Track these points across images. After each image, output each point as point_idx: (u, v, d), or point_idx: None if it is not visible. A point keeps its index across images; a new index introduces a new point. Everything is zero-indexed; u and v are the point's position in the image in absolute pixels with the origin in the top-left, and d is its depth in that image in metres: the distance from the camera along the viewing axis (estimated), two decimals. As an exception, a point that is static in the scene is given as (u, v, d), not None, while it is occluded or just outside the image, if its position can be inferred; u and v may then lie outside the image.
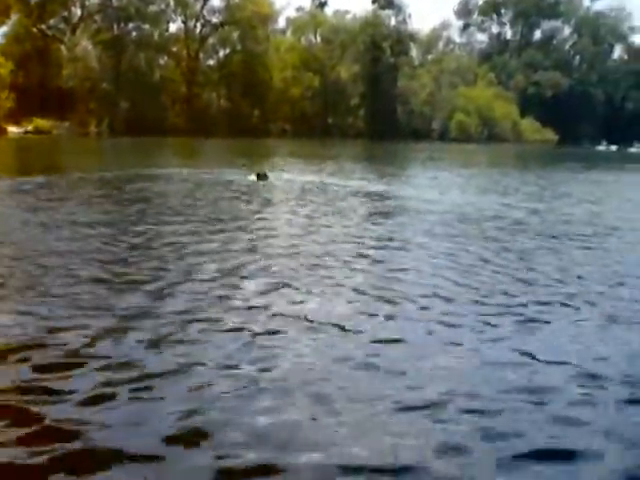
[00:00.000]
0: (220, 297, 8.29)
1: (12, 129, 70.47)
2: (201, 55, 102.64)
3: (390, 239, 12.92)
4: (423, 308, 8.09)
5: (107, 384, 5.65)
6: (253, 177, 24.59)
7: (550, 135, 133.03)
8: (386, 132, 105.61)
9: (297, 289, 8.63)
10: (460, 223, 15.71)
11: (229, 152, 49.93)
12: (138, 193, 19.97)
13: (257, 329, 7.03)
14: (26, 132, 71.85)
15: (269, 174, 25.02)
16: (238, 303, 8.01)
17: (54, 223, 13.79)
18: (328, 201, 19.06)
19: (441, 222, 15.67)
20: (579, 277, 10.46)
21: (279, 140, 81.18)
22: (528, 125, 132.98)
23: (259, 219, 15.03)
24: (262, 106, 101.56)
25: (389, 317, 7.75)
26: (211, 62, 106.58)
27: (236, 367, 6.01)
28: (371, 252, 11.53)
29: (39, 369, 5.93)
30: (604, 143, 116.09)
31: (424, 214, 17.03)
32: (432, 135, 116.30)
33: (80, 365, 6.05)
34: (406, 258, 11.16)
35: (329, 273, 9.72)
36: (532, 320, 7.81)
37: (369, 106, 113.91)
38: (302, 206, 17.36)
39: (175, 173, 27.19)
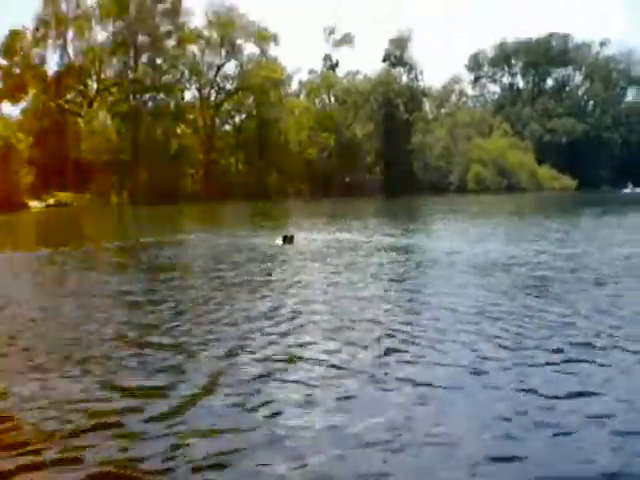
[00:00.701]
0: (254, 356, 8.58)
1: (34, 203, 70.41)
2: (217, 121, 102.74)
3: (425, 292, 12.99)
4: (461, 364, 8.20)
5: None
6: (279, 241, 23.85)
7: (568, 182, 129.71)
8: (403, 187, 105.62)
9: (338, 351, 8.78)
10: (491, 272, 15.55)
11: (250, 216, 49.00)
12: (165, 259, 20.03)
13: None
14: (48, 206, 71.72)
15: (292, 236, 24.29)
16: (279, 366, 8.18)
17: (90, 291, 14.25)
18: (357, 258, 18.74)
19: (472, 272, 15.60)
20: (619, 317, 10.60)
21: (297, 201, 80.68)
22: (546, 172, 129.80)
23: (292, 284, 14.51)
24: (279, 168, 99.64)
25: (437, 364, 8.12)
26: (227, 127, 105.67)
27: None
28: (408, 308, 11.58)
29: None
30: (630, 186, 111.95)
31: (454, 265, 16.92)
32: (449, 188, 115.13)
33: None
34: (443, 311, 11.15)
35: (370, 334, 9.77)
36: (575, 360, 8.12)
37: (385, 162, 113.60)
38: (333, 267, 16.91)
39: (200, 239, 26.83)
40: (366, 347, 8.81)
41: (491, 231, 29.12)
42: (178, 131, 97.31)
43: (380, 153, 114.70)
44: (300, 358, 8.32)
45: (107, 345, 9.20)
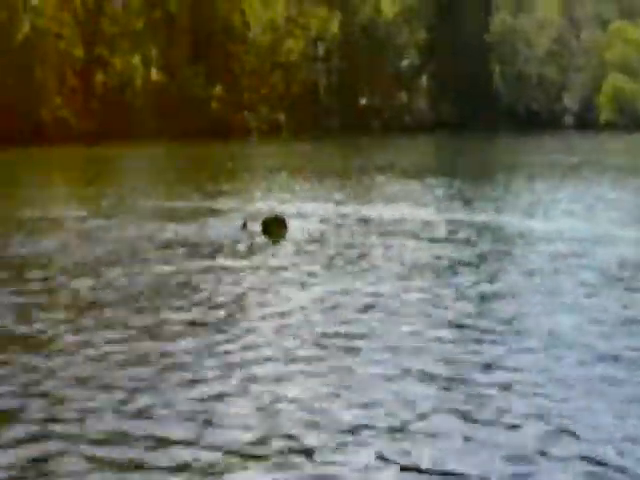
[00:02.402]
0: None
1: None
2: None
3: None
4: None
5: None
6: (257, 235, 15.68)
7: None
8: (471, 117, 75.16)
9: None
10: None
11: (181, 176, 34.77)
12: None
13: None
14: None
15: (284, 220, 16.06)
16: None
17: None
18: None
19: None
20: None
21: (265, 144, 59.57)
22: None
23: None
24: (229, 80, 69.77)
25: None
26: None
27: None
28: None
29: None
30: None
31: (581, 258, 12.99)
32: (563, 121, 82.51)
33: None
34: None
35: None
36: None
37: (437, 69, 79.13)
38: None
39: (79, 224, 17.77)
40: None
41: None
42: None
43: (428, 50, 79.30)
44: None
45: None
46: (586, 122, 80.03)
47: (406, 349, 7.90)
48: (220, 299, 10.43)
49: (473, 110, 74.42)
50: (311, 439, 5.78)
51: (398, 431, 5.75)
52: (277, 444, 5.75)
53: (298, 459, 5.54)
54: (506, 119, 75.16)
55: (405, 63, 77.38)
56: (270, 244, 14.90)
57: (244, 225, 16.08)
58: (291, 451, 5.73)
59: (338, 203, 21.97)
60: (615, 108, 77.89)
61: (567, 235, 15.70)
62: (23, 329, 8.77)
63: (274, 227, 15.74)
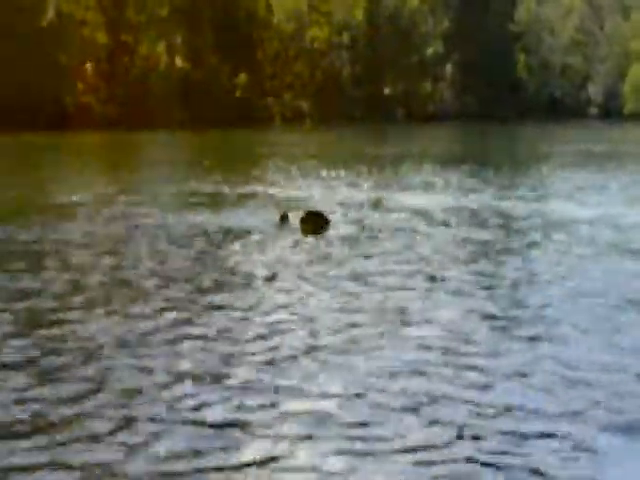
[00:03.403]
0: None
1: None
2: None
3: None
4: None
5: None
6: (296, 230, 14.33)
7: None
8: (498, 107, 74.45)
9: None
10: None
11: (204, 158, 33.81)
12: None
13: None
14: None
15: (325, 216, 14.48)
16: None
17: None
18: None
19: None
20: None
21: (292, 132, 58.06)
22: None
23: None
24: (253, 67, 69.97)
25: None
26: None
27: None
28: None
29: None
30: None
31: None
32: (588, 111, 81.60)
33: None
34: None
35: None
36: None
37: (462, 58, 78.28)
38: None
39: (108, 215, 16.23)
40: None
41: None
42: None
43: (453, 39, 78.53)
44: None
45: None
46: (610, 112, 79.48)
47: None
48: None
49: (497, 99, 73.75)
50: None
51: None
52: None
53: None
54: (531, 109, 73.67)
55: (430, 52, 76.75)
56: (312, 239, 13.59)
57: (283, 218, 14.90)
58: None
59: (374, 189, 21.27)
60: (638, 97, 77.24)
61: (606, 221, 15.15)
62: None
63: (314, 222, 14.64)
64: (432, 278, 10.23)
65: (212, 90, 65.76)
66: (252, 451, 5.04)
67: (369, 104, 72.66)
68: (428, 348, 7.12)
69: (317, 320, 8.16)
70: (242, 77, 69.36)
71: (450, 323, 7.82)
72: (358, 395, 5.84)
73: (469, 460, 4.71)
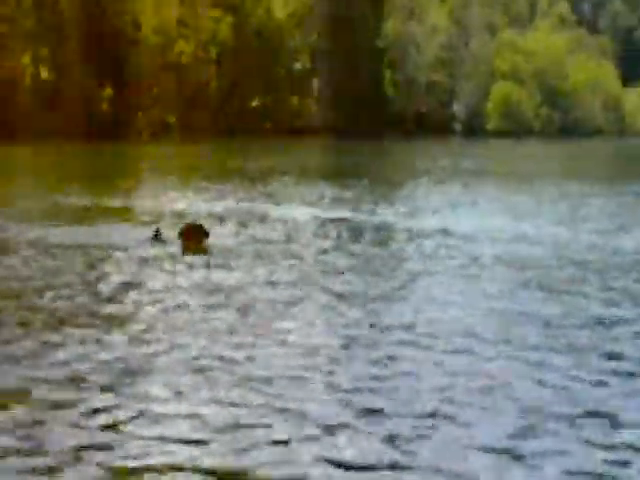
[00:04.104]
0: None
1: None
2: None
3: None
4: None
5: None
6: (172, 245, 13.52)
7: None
8: (364, 122, 74.00)
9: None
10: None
11: (74, 174, 32.42)
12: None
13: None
14: None
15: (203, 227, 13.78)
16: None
17: None
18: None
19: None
20: None
21: (160, 146, 57.44)
22: (636, 101, 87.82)
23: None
24: (120, 81, 68.23)
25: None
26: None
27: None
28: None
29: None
30: None
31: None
32: (453, 127, 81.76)
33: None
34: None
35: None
36: None
37: (328, 73, 77.60)
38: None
39: None
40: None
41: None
42: None
43: (320, 54, 78.22)
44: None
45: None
46: (474, 129, 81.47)
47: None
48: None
49: (363, 115, 73.77)
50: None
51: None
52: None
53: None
54: (396, 124, 74.18)
55: (297, 66, 77.03)
56: (189, 255, 12.82)
57: (156, 235, 13.69)
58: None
59: (242, 202, 21.06)
60: (503, 115, 79.31)
61: (485, 234, 15.51)
62: None
63: (194, 235, 13.70)
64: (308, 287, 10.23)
65: (78, 103, 64.31)
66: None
67: (236, 118, 72.56)
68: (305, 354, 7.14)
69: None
70: (108, 91, 68.82)
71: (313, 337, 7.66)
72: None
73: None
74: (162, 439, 5.34)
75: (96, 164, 40.01)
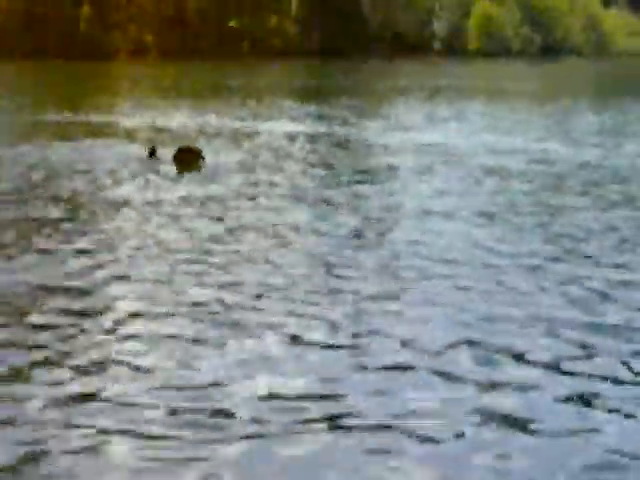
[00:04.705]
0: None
1: None
2: None
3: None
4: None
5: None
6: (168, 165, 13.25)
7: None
8: (341, 43, 73.46)
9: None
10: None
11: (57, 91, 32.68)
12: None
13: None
14: None
15: (199, 151, 13.33)
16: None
17: None
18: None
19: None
20: None
21: (138, 65, 57.51)
22: (616, 22, 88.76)
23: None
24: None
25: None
26: None
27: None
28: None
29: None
30: None
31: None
32: (431, 46, 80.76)
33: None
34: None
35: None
36: None
37: None
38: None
39: None
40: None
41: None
42: None
43: None
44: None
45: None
46: (454, 48, 79.71)
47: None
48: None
49: (342, 35, 72.69)
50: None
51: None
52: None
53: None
54: (375, 43, 73.11)
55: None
56: (186, 176, 12.59)
57: (152, 153, 13.68)
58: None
59: (230, 119, 20.92)
60: (483, 35, 78.52)
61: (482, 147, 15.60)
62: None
63: (189, 159, 13.49)
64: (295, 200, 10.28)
65: (55, 22, 64.07)
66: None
67: (214, 38, 71.56)
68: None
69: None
70: (85, 10, 67.54)
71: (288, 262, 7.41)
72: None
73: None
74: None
75: (77, 83, 39.56)
